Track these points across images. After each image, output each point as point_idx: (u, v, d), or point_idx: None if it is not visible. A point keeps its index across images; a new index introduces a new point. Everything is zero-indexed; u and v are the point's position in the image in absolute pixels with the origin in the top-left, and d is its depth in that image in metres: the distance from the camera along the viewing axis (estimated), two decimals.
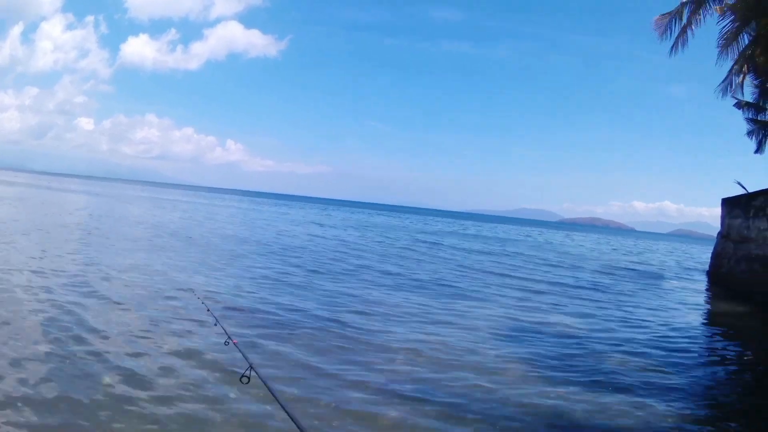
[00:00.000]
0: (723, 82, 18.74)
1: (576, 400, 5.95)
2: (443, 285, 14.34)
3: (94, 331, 6.86)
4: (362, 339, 7.74)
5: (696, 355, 9.17)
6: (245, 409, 4.89)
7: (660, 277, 24.56)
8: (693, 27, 17.54)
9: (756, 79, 18.33)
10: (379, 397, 5.50)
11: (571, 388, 6.32)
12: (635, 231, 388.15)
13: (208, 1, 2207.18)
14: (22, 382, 4.96)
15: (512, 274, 19.01)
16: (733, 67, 17.95)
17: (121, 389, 5.08)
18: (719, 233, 20.64)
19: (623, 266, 28.39)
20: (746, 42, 16.77)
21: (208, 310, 5.10)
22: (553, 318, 10.94)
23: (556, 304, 12.81)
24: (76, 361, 5.70)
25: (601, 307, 12.99)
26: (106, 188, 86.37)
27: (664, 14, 18.32)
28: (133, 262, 12.65)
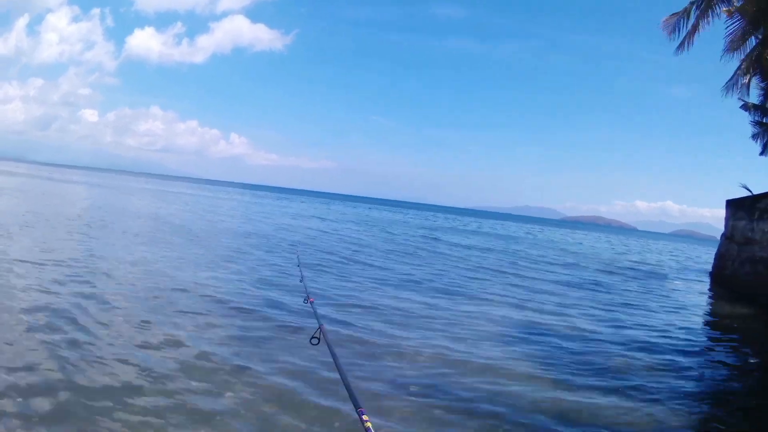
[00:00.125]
0: (728, 81, 18.79)
1: (582, 400, 6.04)
2: (444, 283, 14.34)
3: (94, 321, 7.06)
4: (366, 339, 7.73)
5: (701, 356, 9.27)
6: None
7: (663, 277, 24.64)
8: (700, 28, 17.61)
9: (762, 81, 18.40)
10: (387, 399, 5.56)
11: (578, 389, 6.42)
12: (637, 230, 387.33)
13: None
14: (18, 370, 5.12)
15: (514, 272, 19.11)
16: (739, 67, 18.01)
17: (125, 378, 5.28)
18: (723, 235, 20.72)
19: (626, 265, 28.46)
20: (753, 44, 16.82)
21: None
22: (557, 318, 11.00)
23: (560, 304, 12.86)
24: (74, 350, 5.90)
25: (604, 307, 13.07)
26: (110, 180, 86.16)
27: (672, 14, 18.39)
28: (135, 255, 12.79)
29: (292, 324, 8.03)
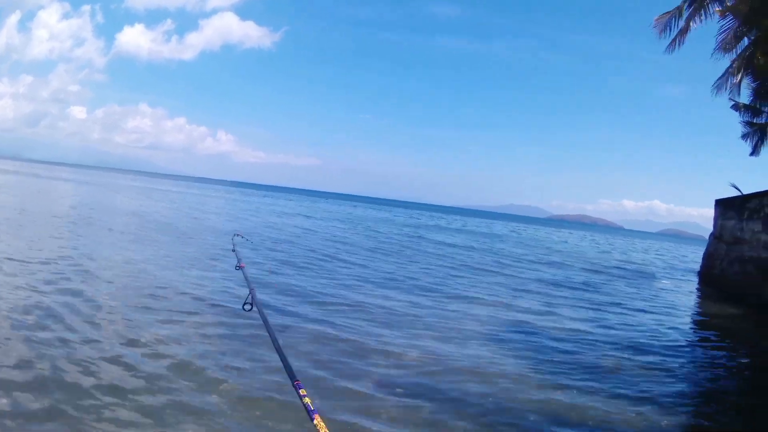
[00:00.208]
0: (719, 79, 19.00)
1: (571, 400, 6.07)
2: (428, 282, 14.29)
3: (81, 320, 6.99)
4: (351, 340, 7.65)
5: (691, 355, 9.41)
6: None
7: (651, 276, 24.89)
8: (691, 27, 17.82)
9: (754, 81, 18.64)
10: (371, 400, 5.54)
11: (567, 390, 6.43)
12: (624, 229, 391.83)
13: None
14: (5, 368, 5.09)
15: (498, 270, 19.18)
16: (730, 66, 18.23)
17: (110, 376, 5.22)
18: (712, 234, 20.99)
19: (613, 265, 28.69)
20: (745, 43, 17.05)
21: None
22: (545, 318, 11.01)
23: (548, 304, 12.90)
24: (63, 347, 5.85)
25: (593, 307, 13.12)
26: (98, 177, 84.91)
27: (664, 13, 18.59)
28: (121, 253, 12.63)
29: (275, 323, 7.93)
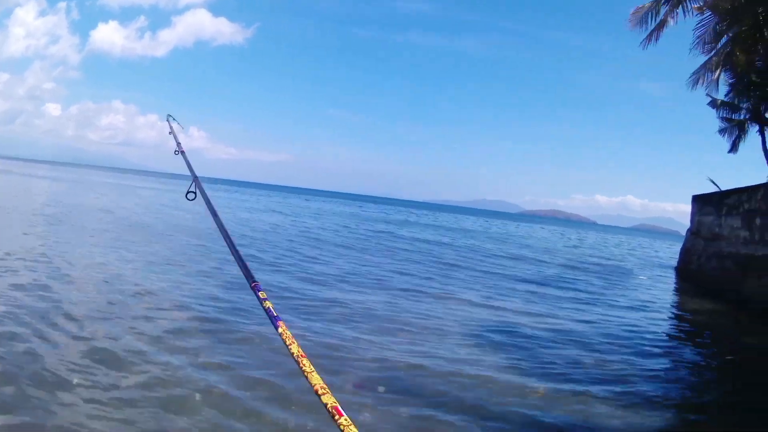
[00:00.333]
0: (695, 73, 19.38)
1: (552, 402, 6.09)
2: (402, 280, 14.20)
3: (48, 324, 6.78)
4: (327, 338, 7.54)
5: (673, 353, 9.59)
6: None
7: (627, 271, 25.40)
8: (669, 23, 18.17)
9: (732, 78, 19.12)
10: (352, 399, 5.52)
11: (546, 390, 6.43)
12: (597, 224, 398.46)
13: None
14: None
15: (472, 267, 19.19)
16: (707, 61, 18.66)
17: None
18: (689, 230, 21.55)
19: (588, 260, 29.13)
20: (724, 40, 17.47)
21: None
22: (521, 316, 11.02)
23: (524, 301, 12.94)
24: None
25: (569, 304, 13.20)
26: (72, 174, 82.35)
27: (640, 6, 18.88)
28: (92, 256, 12.25)
29: (248, 328, 7.72)
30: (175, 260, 13.20)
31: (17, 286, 8.43)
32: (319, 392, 1.31)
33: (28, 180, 48.72)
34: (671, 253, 41.48)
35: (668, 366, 8.54)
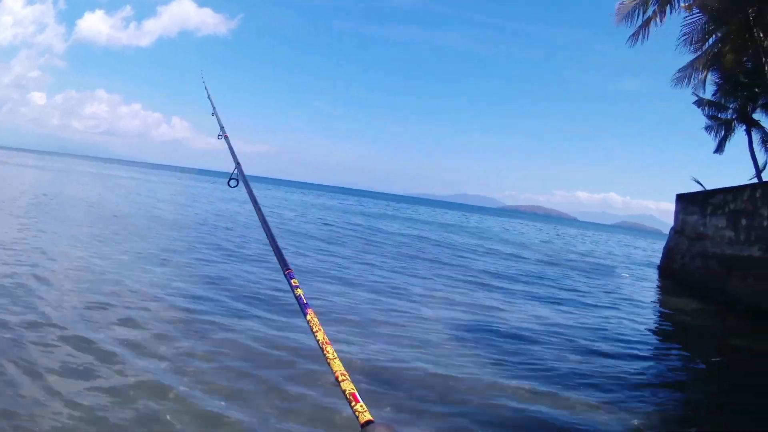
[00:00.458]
0: (680, 71, 19.61)
1: (535, 401, 6.13)
2: (382, 276, 14.17)
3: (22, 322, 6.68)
4: (292, 346, 7.21)
5: (659, 354, 9.73)
6: None
7: (610, 269, 25.73)
8: (657, 21, 18.34)
9: (720, 78, 19.40)
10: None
11: (530, 389, 6.48)
12: (578, 221, 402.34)
13: None
14: None
15: (451, 262, 19.26)
16: (694, 60, 18.89)
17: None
18: (672, 228, 21.85)
19: (570, 257, 29.47)
20: (712, 40, 17.69)
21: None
22: (503, 314, 11.05)
23: (505, 298, 12.95)
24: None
25: (551, 302, 13.27)
26: (55, 164, 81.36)
27: (625, 2, 19.00)
28: (73, 250, 11.96)
29: (226, 328, 7.63)
30: (157, 255, 12.95)
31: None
32: (339, 378, 1.37)
33: (13, 169, 48.13)
34: (653, 250, 42.10)
35: (654, 366, 8.64)
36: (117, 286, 9.24)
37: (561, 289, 16.05)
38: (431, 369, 6.77)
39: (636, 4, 18.72)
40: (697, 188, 21.08)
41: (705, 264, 17.29)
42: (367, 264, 16.20)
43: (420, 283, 13.79)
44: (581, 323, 11.06)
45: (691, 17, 17.40)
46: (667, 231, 23.96)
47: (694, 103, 21.50)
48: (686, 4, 17.53)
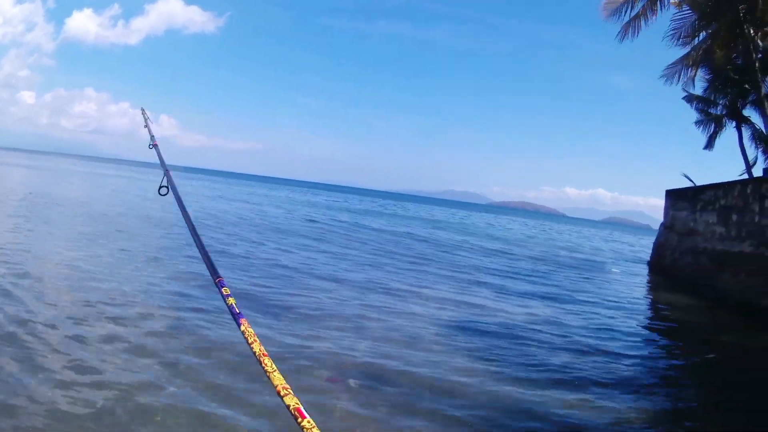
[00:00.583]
0: (669, 67, 19.72)
1: (527, 399, 6.15)
2: (371, 274, 14.16)
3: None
4: (284, 344, 7.24)
5: (651, 349, 9.84)
6: None
7: (600, 265, 25.96)
8: (646, 17, 18.44)
9: (709, 74, 19.57)
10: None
11: (523, 386, 6.52)
12: (567, 217, 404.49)
13: None
14: None
15: (440, 260, 19.25)
16: (684, 56, 19.02)
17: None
18: (662, 224, 22.05)
19: (560, 253, 29.63)
20: (701, 37, 17.81)
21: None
22: (495, 312, 11.07)
23: (497, 296, 13.01)
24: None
25: (543, 299, 13.33)
26: (43, 162, 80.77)
27: None
28: (60, 253, 11.81)
29: (215, 330, 7.53)
30: (146, 255, 12.82)
31: None
32: (281, 393, 1.29)
33: (2, 168, 47.98)
34: (642, 246, 42.42)
35: (646, 362, 8.70)
36: (108, 284, 9.18)
37: (552, 285, 16.13)
38: (422, 366, 6.80)
39: (624, 1, 18.81)
40: (687, 184, 21.28)
41: (696, 260, 17.46)
42: (353, 261, 16.24)
43: (406, 279, 13.85)
44: (571, 319, 11.11)
45: (681, 13, 17.55)
46: (656, 227, 24.18)
47: (684, 98, 21.71)
48: (676, 1, 17.65)
